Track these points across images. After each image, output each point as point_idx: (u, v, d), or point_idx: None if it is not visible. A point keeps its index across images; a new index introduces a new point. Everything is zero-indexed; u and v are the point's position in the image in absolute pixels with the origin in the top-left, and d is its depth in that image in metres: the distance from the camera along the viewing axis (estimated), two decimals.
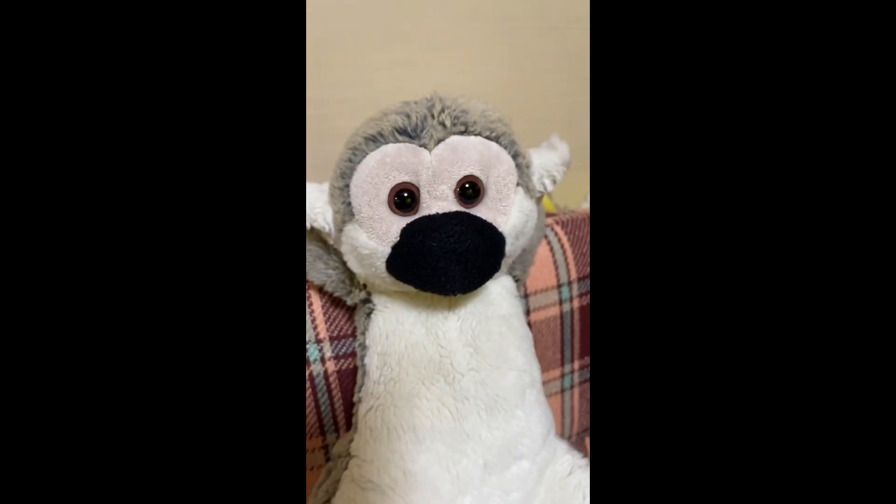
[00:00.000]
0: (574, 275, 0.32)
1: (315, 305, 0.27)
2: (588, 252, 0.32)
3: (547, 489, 0.21)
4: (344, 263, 0.22)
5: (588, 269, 0.32)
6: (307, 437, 0.28)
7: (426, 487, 0.20)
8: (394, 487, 0.20)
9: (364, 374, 0.22)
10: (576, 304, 0.32)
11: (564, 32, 0.52)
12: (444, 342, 0.20)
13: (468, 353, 0.20)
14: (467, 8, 0.47)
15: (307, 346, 0.27)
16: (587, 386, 0.34)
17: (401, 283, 0.19)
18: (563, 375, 0.33)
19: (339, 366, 0.28)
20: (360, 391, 0.22)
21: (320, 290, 0.26)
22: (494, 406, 0.20)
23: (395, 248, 0.18)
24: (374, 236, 0.19)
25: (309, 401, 0.28)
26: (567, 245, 0.32)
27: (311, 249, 0.24)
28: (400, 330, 0.21)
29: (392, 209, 0.19)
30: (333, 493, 0.21)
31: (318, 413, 0.28)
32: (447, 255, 0.18)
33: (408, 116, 0.19)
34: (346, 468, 0.21)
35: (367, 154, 0.19)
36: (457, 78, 0.49)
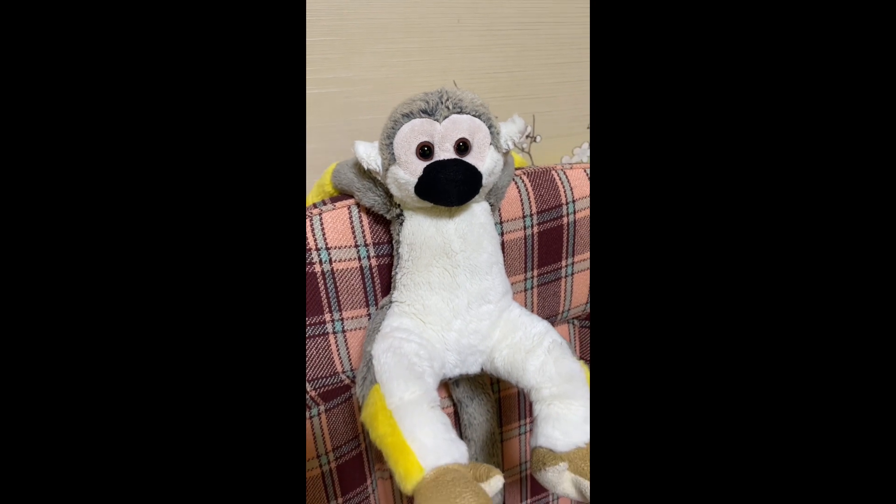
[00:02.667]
0: (534, 209, 0.46)
1: (364, 221, 0.41)
2: (544, 193, 0.46)
3: (503, 323, 0.36)
4: (386, 192, 0.36)
5: (543, 205, 0.46)
6: (358, 308, 0.43)
7: (435, 313, 0.34)
8: (416, 313, 0.35)
9: (399, 257, 0.36)
10: (535, 230, 0.46)
11: (542, 27, 0.63)
12: (446, 235, 0.34)
13: (460, 242, 0.34)
14: (466, 7, 0.59)
15: (359, 249, 0.41)
16: (542, 288, 0.49)
17: (422, 201, 0.33)
18: (525, 279, 0.48)
19: (378, 262, 0.42)
20: (396, 268, 0.37)
21: (368, 210, 0.40)
22: (474, 271, 0.35)
23: (420, 179, 0.32)
24: (407, 172, 0.33)
25: (360, 285, 0.42)
26: (530, 188, 0.45)
27: (364, 183, 0.38)
28: (420, 230, 0.35)
29: (418, 157, 0.32)
30: (382, 321, 0.36)
31: (365, 293, 0.43)
32: (449, 182, 0.31)
33: (427, 102, 0.33)
34: (389, 308, 0.36)
35: (403, 124, 0.33)
36: (456, 64, 0.61)
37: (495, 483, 0.27)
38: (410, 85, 0.59)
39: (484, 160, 0.33)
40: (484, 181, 0.33)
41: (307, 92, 0.56)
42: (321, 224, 0.39)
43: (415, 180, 0.32)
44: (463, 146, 0.33)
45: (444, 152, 0.32)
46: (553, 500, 0.60)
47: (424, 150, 0.32)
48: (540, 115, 0.68)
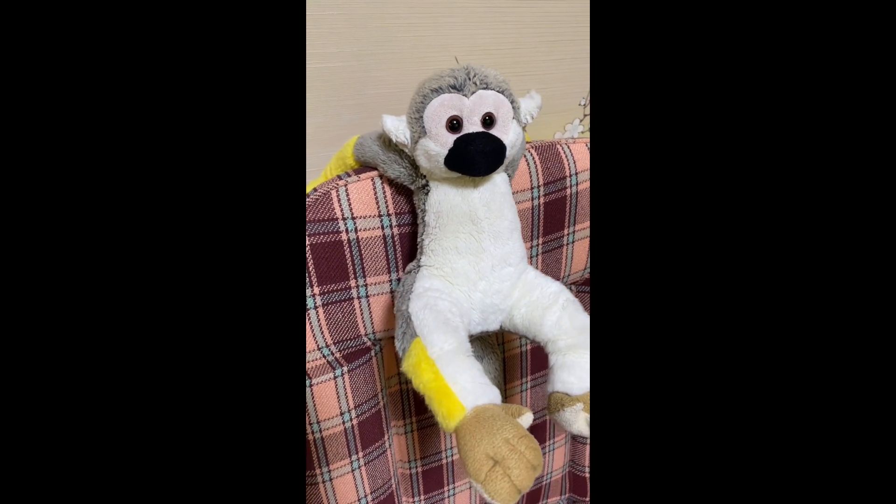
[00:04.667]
0: (542, 181, 0.49)
1: (387, 192, 0.43)
2: (550, 166, 0.49)
3: (522, 284, 0.40)
4: (412, 163, 0.39)
5: (549, 177, 0.49)
6: (381, 274, 0.45)
7: (462, 275, 0.38)
8: (445, 276, 0.38)
9: (425, 224, 0.39)
10: (542, 200, 0.50)
11: (538, 4, 0.65)
12: (472, 204, 0.37)
13: (485, 210, 0.37)
14: None
15: (382, 218, 0.44)
16: (546, 255, 0.53)
17: (450, 172, 0.36)
18: (531, 247, 0.51)
19: (400, 231, 0.44)
20: (423, 235, 0.39)
21: (391, 182, 0.42)
22: (497, 237, 0.38)
23: (450, 151, 0.34)
24: (438, 144, 0.35)
25: (382, 253, 0.45)
26: (538, 161, 0.48)
27: (390, 155, 0.40)
28: (446, 199, 0.37)
29: (448, 130, 0.35)
30: (414, 283, 0.38)
31: (387, 260, 0.45)
32: (478, 154, 0.34)
33: (455, 78, 0.35)
34: (418, 271, 0.39)
35: (432, 98, 0.35)
36: (458, 40, 0.62)
37: (526, 419, 0.31)
38: (415, 60, 0.60)
39: (508, 133, 0.36)
40: (507, 153, 0.36)
41: (313, 66, 0.56)
42: (347, 195, 0.41)
43: (445, 152, 0.35)
44: (489, 120, 0.35)
45: (472, 125, 0.35)
46: (549, 451, 0.65)
47: (454, 124, 0.35)
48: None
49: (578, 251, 0.54)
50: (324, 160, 0.61)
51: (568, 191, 0.50)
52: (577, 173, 0.50)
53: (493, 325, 0.41)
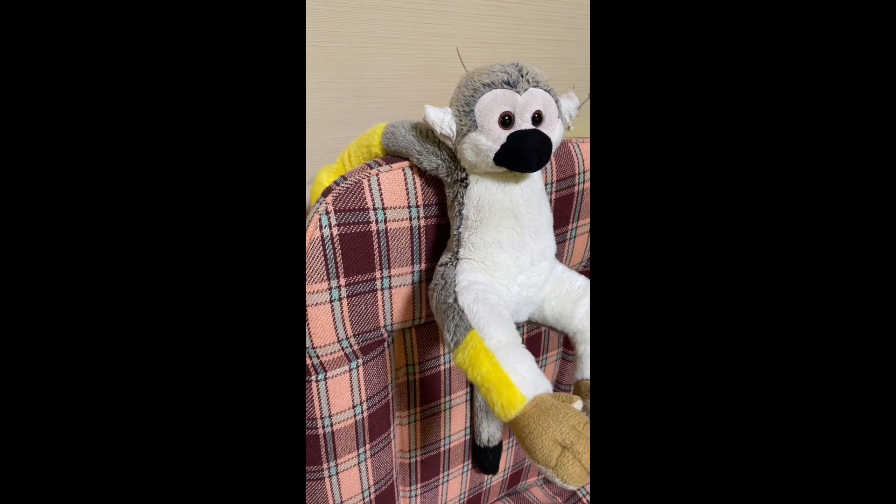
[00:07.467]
0: (555, 178, 0.51)
1: (418, 183, 0.42)
2: (564, 163, 0.51)
3: (553, 278, 0.42)
4: (451, 155, 0.38)
5: (561, 174, 0.51)
6: (405, 266, 0.45)
7: (503, 268, 0.38)
8: (486, 269, 0.38)
9: (464, 217, 0.39)
10: (553, 196, 0.51)
11: (538, 2, 0.67)
12: (514, 199, 0.38)
13: (526, 205, 0.38)
14: None
15: (411, 210, 0.43)
16: (561, 245, 0.55)
17: (496, 167, 0.36)
18: None
19: (427, 223, 0.44)
20: (461, 227, 0.39)
21: (421, 173, 0.41)
22: (537, 232, 0.39)
23: (503, 146, 0.35)
24: (490, 139, 0.35)
25: (407, 244, 0.44)
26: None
27: (427, 147, 0.39)
28: (488, 193, 0.38)
29: (499, 125, 0.35)
30: (455, 276, 0.38)
31: (412, 252, 0.45)
32: (531, 151, 0.34)
33: (508, 74, 0.35)
34: (457, 264, 0.39)
35: (484, 93, 0.35)
36: (461, 30, 0.62)
37: (578, 405, 0.33)
38: (419, 48, 0.59)
39: (554, 132, 0.37)
40: (552, 150, 0.37)
41: (319, 45, 0.53)
42: (378, 184, 0.40)
43: (497, 147, 0.35)
44: (537, 117, 0.36)
45: (524, 122, 0.35)
46: None
47: (506, 119, 0.35)
48: None
49: (578, 246, 0.57)
50: (321, 145, 0.58)
51: (576, 188, 0.53)
52: (584, 171, 0.53)
53: (522, 317, 0.42)
